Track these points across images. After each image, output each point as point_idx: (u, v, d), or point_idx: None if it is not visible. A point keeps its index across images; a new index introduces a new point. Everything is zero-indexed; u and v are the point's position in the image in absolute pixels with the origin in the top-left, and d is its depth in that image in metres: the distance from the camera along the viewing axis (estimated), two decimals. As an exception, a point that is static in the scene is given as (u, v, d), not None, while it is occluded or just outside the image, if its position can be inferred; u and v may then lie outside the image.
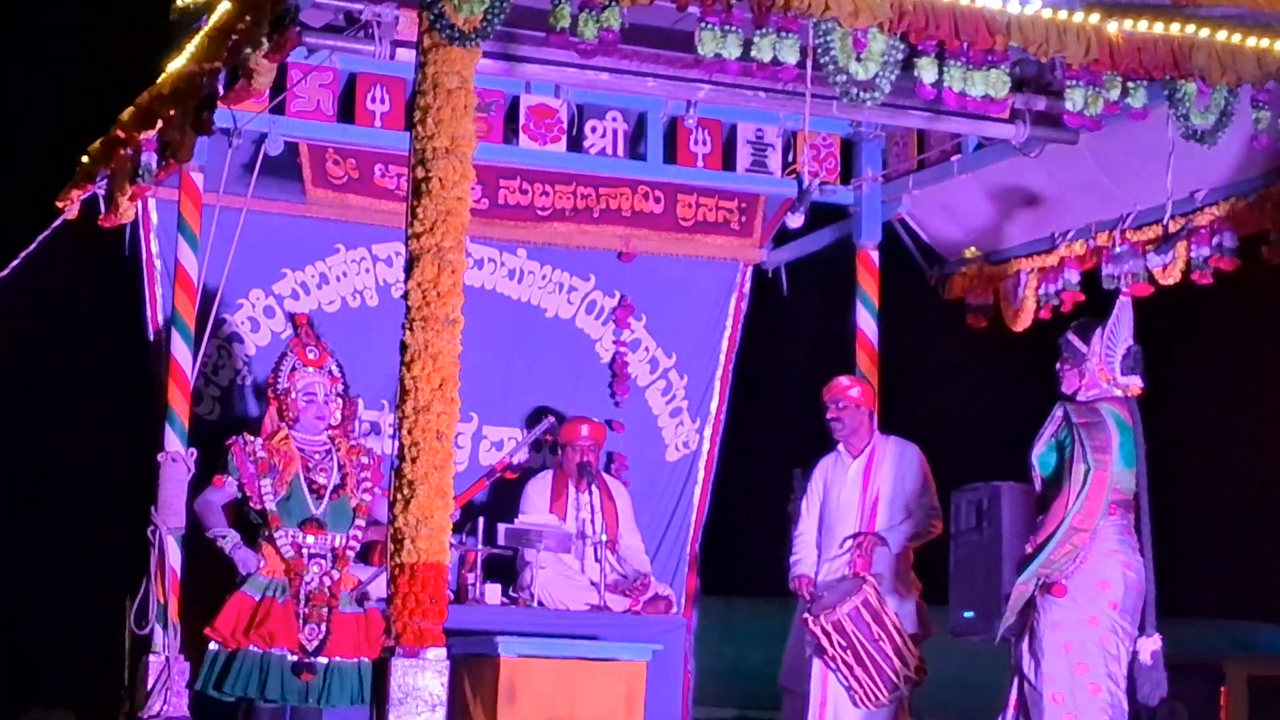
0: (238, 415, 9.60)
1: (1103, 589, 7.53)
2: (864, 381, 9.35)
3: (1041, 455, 7.72)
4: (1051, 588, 7.54)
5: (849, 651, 8.61)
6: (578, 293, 10.40)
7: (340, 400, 8.71)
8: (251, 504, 8.46)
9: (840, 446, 9.19)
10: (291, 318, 9.33)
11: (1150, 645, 7.55)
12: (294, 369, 8.64)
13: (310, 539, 8.36)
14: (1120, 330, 7.80)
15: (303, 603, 8.28)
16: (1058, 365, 7.90)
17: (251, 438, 8.57)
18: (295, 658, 8.20)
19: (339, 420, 8.71)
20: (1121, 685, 7.51)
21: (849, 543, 8.92)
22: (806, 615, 8.80)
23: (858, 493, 9.03)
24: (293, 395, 8.59)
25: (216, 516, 8.48)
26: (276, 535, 8.35)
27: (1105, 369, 7.76)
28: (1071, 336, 7.87)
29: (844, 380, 9.22)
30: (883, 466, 9.02)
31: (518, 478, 9.75)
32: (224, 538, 8.42)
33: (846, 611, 8.60)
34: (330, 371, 8.69)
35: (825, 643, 8.63)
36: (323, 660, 8.26)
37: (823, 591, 8.87)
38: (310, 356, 8.68)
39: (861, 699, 8.69)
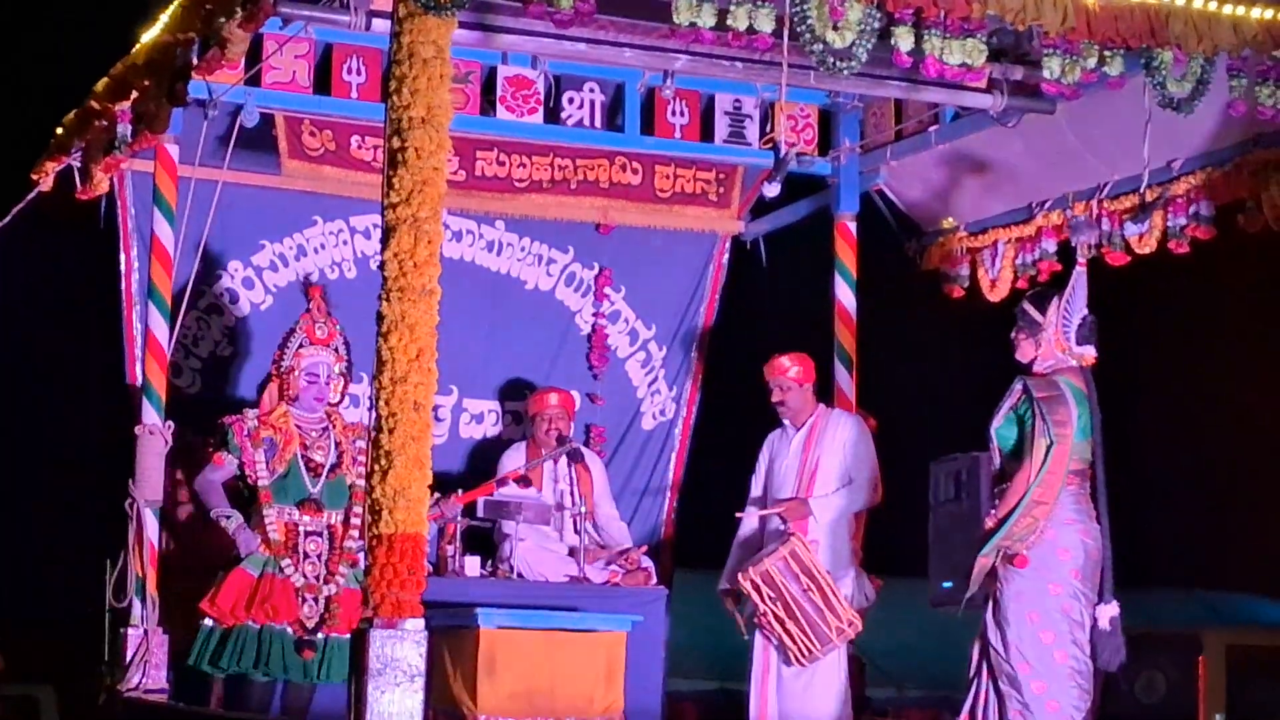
0: (217, 388, 9.59)
1: (1063, 557, 7.56)
2: (803, 358, 9.25)
3: (1000, 429, 7.72)
4: (1013, 559, 7.57)
5: (778, 604, 8.58)
6: (557, 264, 10.40)
7: (342, 379, 8.67)
8: (246, 480, 8.44)
9: (786, 421, 9.21)
10: (305, 289, 9.21)
11: (1109, 612, 7.60)
12: (300, 347, 8.61)
13: (307, 518, 8.36)
14: (1076, 300, 7.79)
15: (302, 580, 8.27)
16: (1013, 334, 7.87)
17: (251, 413, 8.54)
18: (295, 634, 8.20)
19: (338, 398, 8.67)
20: (1086, 651, 7.55)
21: (777, 508, 8.95)
22: (738, 574, 8.79)
23: (797, 462, 9.05)
24: (295, 374, 8.58)
25: (219, 496, 8.48)
26: (265, 513, 8.35)
27: (1062, 339, 7.76)
28: (1028, 306, 7.85)
29: (783, 361, 9.17)
30: (823, 437, 9.02)
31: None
32: (228, 518, 8.42)
33: (773, 563, 8.59)
34: (336, 349, 8.65)
35: (756, 597, 8.62)
36: (320, 636, 8.26)
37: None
38: (319, 334, 8.64)
39: (795, 655, 8.66)
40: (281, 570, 8.29)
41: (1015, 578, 7.58)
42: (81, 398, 10.31)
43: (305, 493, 8.42)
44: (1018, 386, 7.69)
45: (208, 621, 8.30)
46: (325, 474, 8.48)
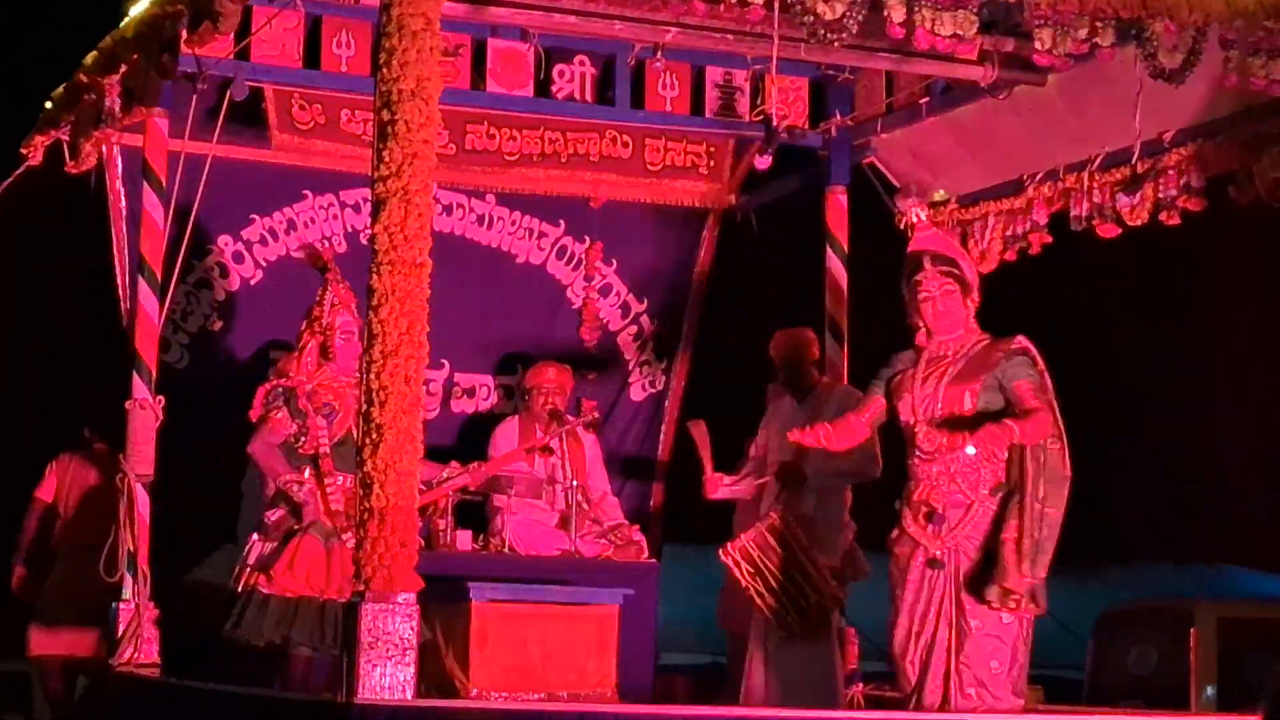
0: (206, 363, 9.58)
1: None
2: (805, 334, 9.23)
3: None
4: None
5: (759, 579, 8.55)
6: (548, 238, 10.39)
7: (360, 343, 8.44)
8: (303, 448, 8.15)
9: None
10: (311, 255, 8.95)
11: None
12: (334, 304, 8.28)
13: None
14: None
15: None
16: (933, 290, 7.57)
17: (299, 377, 8.23)
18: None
19: None
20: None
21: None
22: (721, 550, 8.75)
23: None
24: (334, 334, 8.25)
25: (284, 462, 8.12)
26: (327, 481, 8.08)
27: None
28: (960, 261, 7.69)
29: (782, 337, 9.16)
30: (825, 409, 8.96)
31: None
32: (300, 484, 8.08)
33: (751, 538, 8.55)
34: (355, 312, 8.31)
35: (737, 573, 8.60)
36: None
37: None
38: (343, 294, 8.31)
39: (779, 627, 8.60)
40: (343, 542, 7.94)
41: None
42: (73, 372, 10.30)
43: (352, 464, 8.08)
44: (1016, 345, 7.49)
45: (262, 590, 8.02)
46: None
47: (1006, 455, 7.37)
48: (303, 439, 8.17)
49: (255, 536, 8.24)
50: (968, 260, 7.80)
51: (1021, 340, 7.48)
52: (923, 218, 7.78)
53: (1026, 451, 7.34)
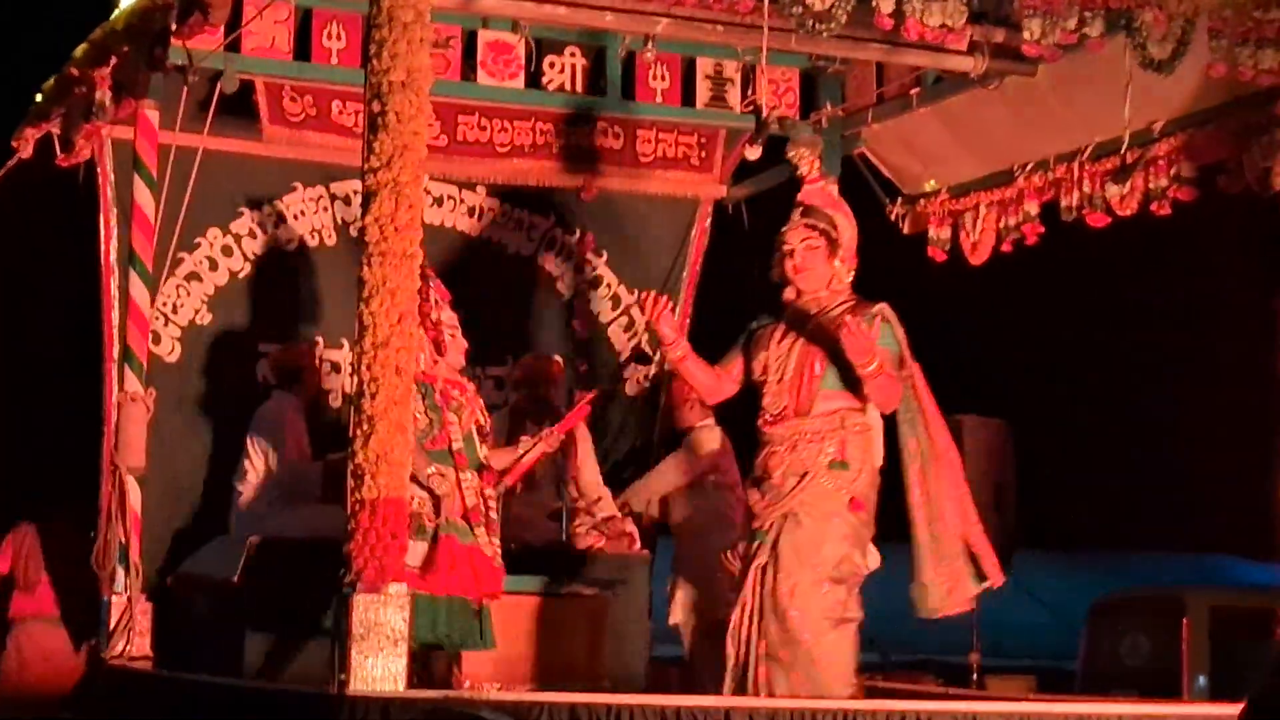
0: (197, 355, 9.57)
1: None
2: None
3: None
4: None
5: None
6: (538, 230, 10.39)
7: None
8: (431, 444, 7.81)
9: None
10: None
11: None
12: (437, 301, 8.02)
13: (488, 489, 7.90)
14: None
15: (491, 550, 7.78)
16: (799, 242, 7.19)
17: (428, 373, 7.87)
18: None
19: None
20: None
21: None
22: (723, 555, 8.68)
23: None
24: (443, 328, 8.00)
25: (423, 456, 7.72)
26: (464, 477, 7.80)
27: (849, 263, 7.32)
28: (829, 213, 7.27)
29: None
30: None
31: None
32: (442, 478, 7.73)
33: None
34: (453, 307, 8.09)
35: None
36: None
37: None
38: (442, 289, 8.05)
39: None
40: (476, 539, 7.74)
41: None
42: (60, 365, 10.30)
43: (478, 460, 7.91)
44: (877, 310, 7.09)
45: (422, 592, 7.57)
46: (482, 437, 7.98)
47: (844, 434, 6.97)
48: (433, 434, 7.85)
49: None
50: (848, 220, 7.30)
51: (884, 307, 7.12)
52: (814, 168, 7.39)
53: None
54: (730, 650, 7.02)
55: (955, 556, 7.20)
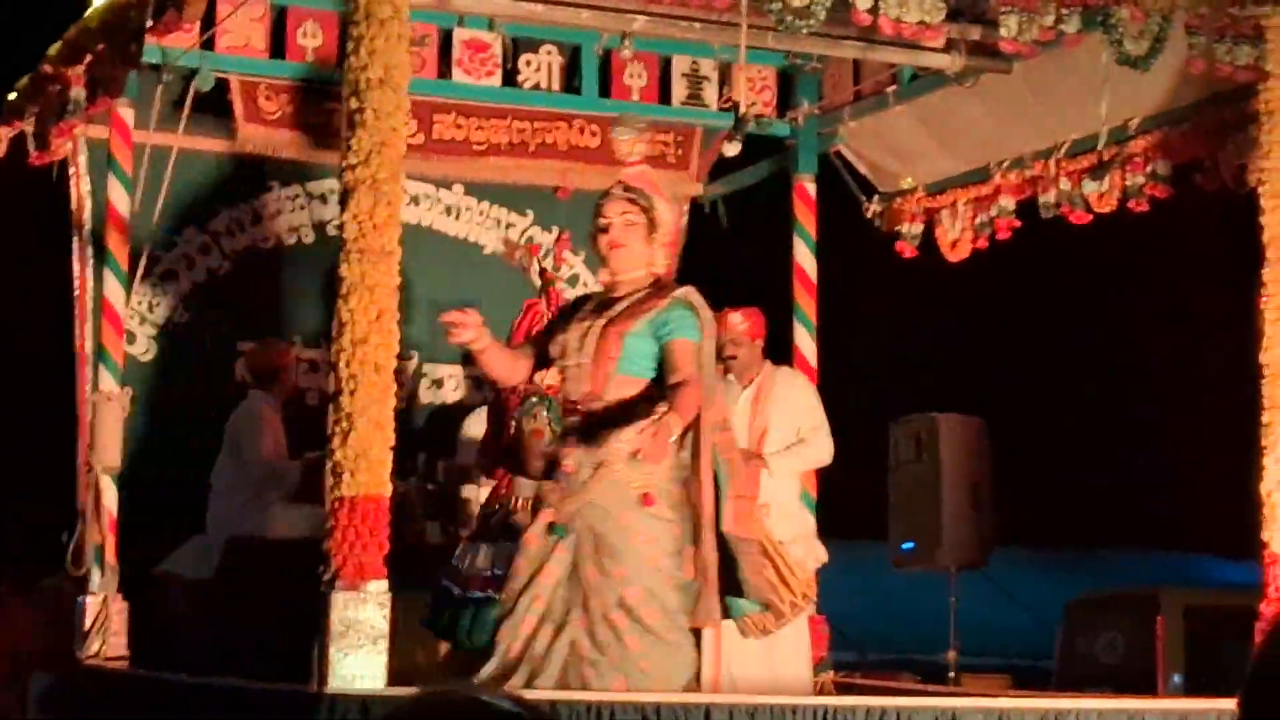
0: (174, 354, 9.54)
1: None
2: (753, 312, 9.11)
3: (634, 333, 6.72)
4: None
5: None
6: (515, 228, 10.37)
7: None
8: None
9: (731, 376, 9.05)
10: (530, 257, 8.46)
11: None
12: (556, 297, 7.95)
13: None
14: None
15: None
16: (617, 216, 6.83)
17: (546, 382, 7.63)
18: None
19: None
20: None
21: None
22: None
23: (745, 421, 8.84)
24: None
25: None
26: None
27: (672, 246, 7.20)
28: (643, 189, 6.94)
29: (735, 316, 8.98)
30: (771, 396, 8.86)
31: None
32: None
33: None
34: None
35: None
36: None
37: None
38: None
39: (749, 627, 8.42)
40: None
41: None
42: (33, 365, 10.25)
43: None
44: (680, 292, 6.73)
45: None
46: None
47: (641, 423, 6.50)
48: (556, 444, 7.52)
49: (480, 543, 7.87)
50: (669, 207, 7.02)
51: (688, 291, 6.74)
52: (636, 151, 7.02)
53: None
54: (518, 648, 6.57)
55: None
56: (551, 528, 6.59)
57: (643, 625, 6.49)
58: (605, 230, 6.79)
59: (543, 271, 8.18)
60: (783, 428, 8.84)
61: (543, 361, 6.97)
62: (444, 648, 8.26)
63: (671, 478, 6.64)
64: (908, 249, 9.98)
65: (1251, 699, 2.26)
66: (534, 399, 7.12)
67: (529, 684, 6.46)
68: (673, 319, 6.62)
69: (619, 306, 6.73)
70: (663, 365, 6.63)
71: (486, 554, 7.92)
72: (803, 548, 8.76)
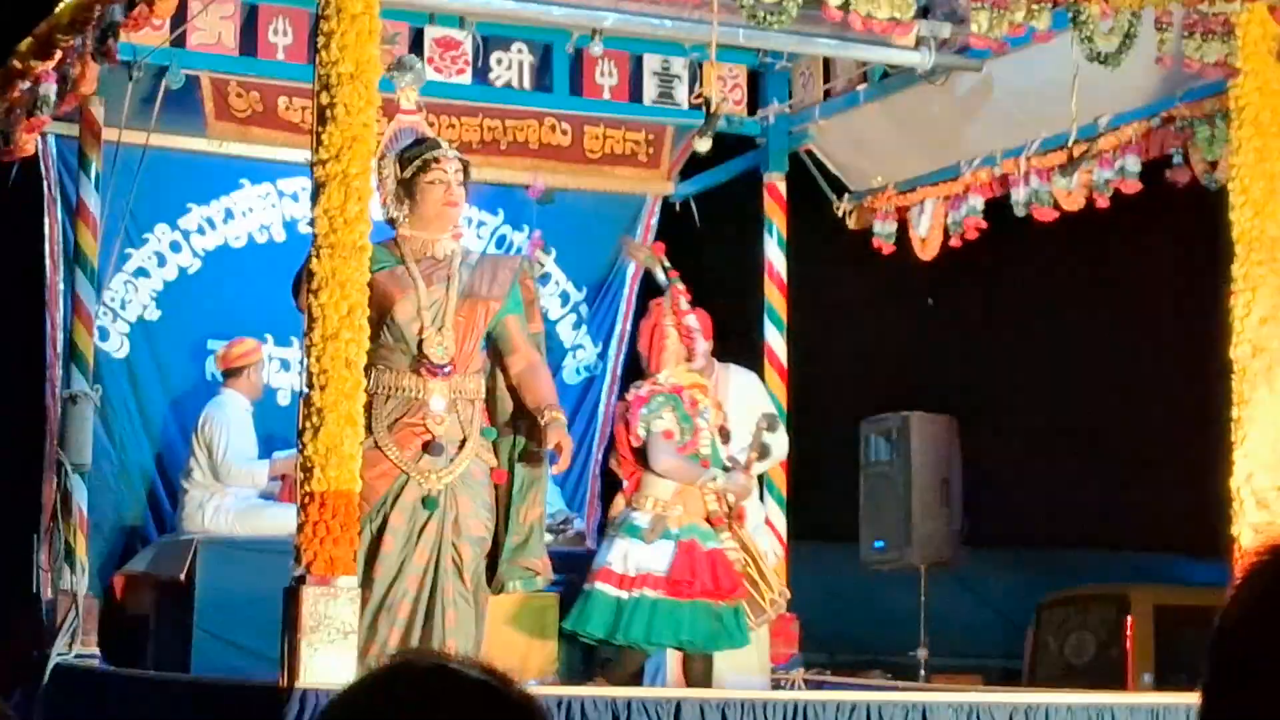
0: (146, 351, 9.52)
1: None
2: (701, 313, 9.14)
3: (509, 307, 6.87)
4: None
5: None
6: (487, 227, 10.36)
7: None
8: (681, 450, 7.73)
9: None
10: (653, 256, 8.46)
11: None
12: (686, 306, 7.90)
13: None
14: None
15: (734, 554, 7.74)
16: (462, 182, 6.87)
17: (671, 381, 7.81)
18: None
19: None
20: None
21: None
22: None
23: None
24: (692, 332, 7.87)
25: (694, 465, 7.74)
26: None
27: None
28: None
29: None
30: (728, 395, 8.84)
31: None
32: (714, 479, 7.73)
33: None
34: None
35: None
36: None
37: None
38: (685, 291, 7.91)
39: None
40: (720, 543, 7.71)
41: None
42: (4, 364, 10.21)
43: (721, 462, 7.82)
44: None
45: (617, 592, 7.60)
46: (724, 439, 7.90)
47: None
48: (683, 442, 7.76)
49: (623, 538, 7.78)
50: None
51: (523, 259, 6.91)
52: (410, 99, 7.10)
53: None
54: (393, 636, 6.65)
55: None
56: (426, 501, 6.66)
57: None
58: (446, 186, 6.78)
59: (667, 270, 8.12)
60: (740, 425, 8.85)
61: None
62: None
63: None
64: (885, 246, 9.99)
65: (1217, 666, 2.22)
66: (660, 398, 7.46)
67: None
68: (514, 292, 6.80)
69: (469, 277, 6.80)
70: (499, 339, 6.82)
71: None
72: (765, 539, 8.81)
